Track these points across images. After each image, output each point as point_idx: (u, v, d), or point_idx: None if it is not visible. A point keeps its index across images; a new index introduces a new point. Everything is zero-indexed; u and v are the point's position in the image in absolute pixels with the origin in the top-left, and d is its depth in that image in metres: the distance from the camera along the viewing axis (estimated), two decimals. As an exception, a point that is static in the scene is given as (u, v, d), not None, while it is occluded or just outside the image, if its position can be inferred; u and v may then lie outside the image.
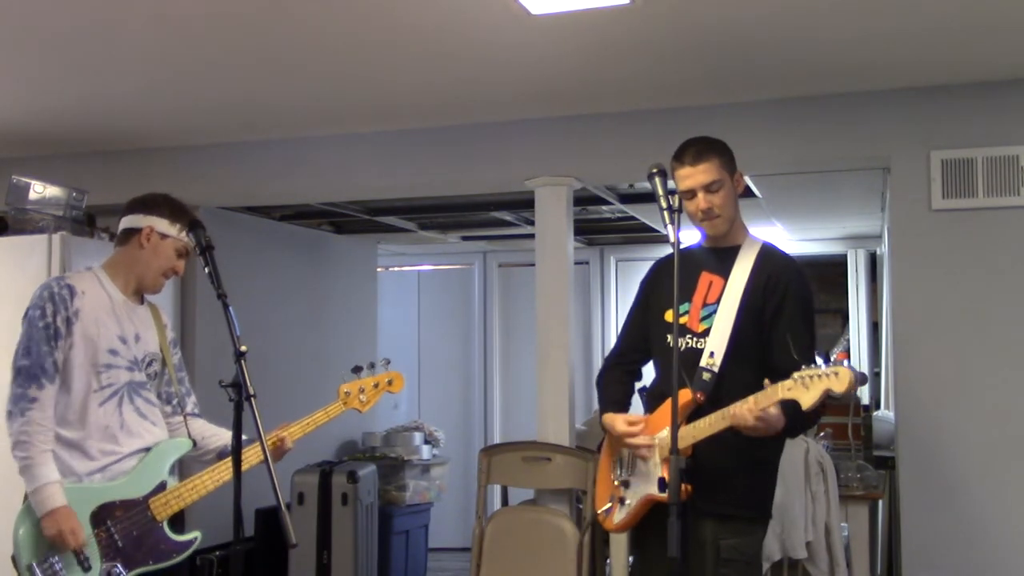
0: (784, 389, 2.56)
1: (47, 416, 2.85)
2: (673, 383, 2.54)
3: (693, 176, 2.86)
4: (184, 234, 3.03)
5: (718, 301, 2.86)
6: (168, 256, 3.06)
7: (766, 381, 2.60)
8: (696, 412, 2.76)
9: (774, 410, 2.60)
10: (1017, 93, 4.00)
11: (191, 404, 3.20)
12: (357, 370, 3.21)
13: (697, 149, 2.89)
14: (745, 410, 2.61)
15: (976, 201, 4.01)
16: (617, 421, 2.91)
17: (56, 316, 2.89)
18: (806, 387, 2.52)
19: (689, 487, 2.53)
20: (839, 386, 2.48)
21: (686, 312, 2.91)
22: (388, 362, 3.28)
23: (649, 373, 3.11)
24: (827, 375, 2.49)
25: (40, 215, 4.55)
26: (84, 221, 4.69)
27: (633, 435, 2.84)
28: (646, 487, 2.83)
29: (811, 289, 2.94)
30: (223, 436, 3.16)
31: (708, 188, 2.86)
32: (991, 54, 3.74)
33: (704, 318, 2.88)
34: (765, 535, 2.94)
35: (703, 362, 2.80)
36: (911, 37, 3.54)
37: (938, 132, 4.08)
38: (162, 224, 3.04)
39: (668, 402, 2.62)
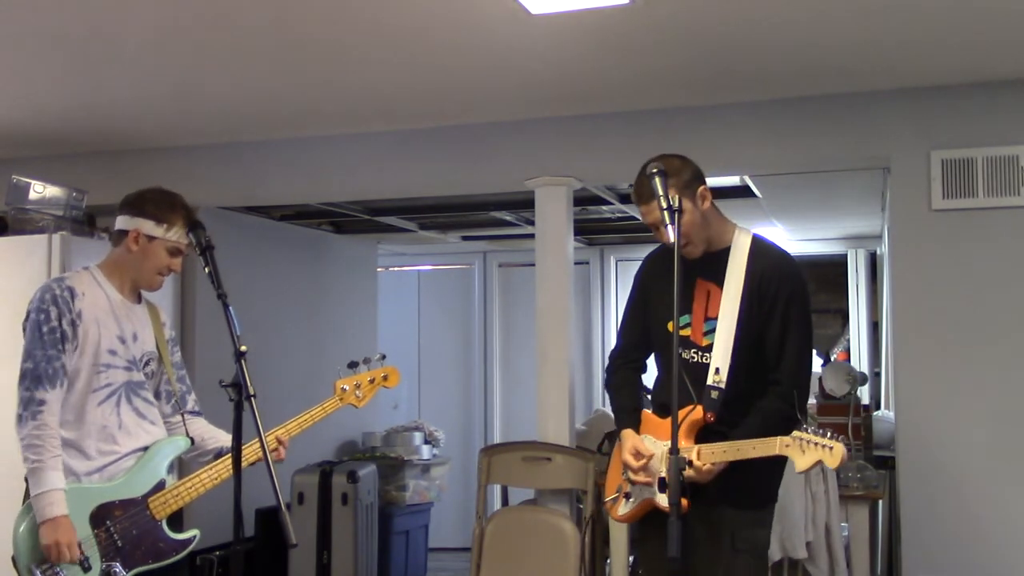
0: (782, 445, 2.61)
1: (56, 419, 2.85)
2: (673, 389, 2.52)
3: (649, 214, 2.80)
4: (173, 233, 2.97)
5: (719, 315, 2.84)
6: (159, 257, 3.00)
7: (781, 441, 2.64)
8: (705, 428, 2.77)
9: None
10: (1017, 93, 4.00)
11: (191, 402, 3.19)
12: (353, 365, 3.19)
13: (645, 188, 2.72)
14: (751, 449, 2.66)
15: (976, 201, 4.01)
16: (627, 444, 2.88)
17: (62, 319, 2.88)
18: (803, 451, 2.58)
19: (687, 502, 2.52)
20: (831, 462, 2.55)
21: (688, 324, 2.88)
22: (383, 357, 3.25)
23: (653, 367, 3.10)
24: (824, 447, 2.54)
25: (40, 215, 4.55)
26: (84, 221, 4.69)
27: (634, 469, 2.83)
28: (648, 489, 2.82)
29: (804, 286, 2.87)
30: (221, 438, 3.15)
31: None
32: (991, 54, 3.74)
33: (707, 332, 2.85)
34: (771, 526, 2.94)
35: (709, 379, 2.78)
36: (911, 37, 3.54)
37: (938, 132, 4.08)
38: (148, 226, 2.97)
39: (678, 413, 2.60)
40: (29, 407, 2.83)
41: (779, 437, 2.61)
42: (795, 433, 2.59)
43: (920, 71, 3.94)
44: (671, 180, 2.73)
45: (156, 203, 3.01)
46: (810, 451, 2.56)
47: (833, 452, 2.53)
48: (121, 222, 3.03)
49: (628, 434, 2.91)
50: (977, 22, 3.38)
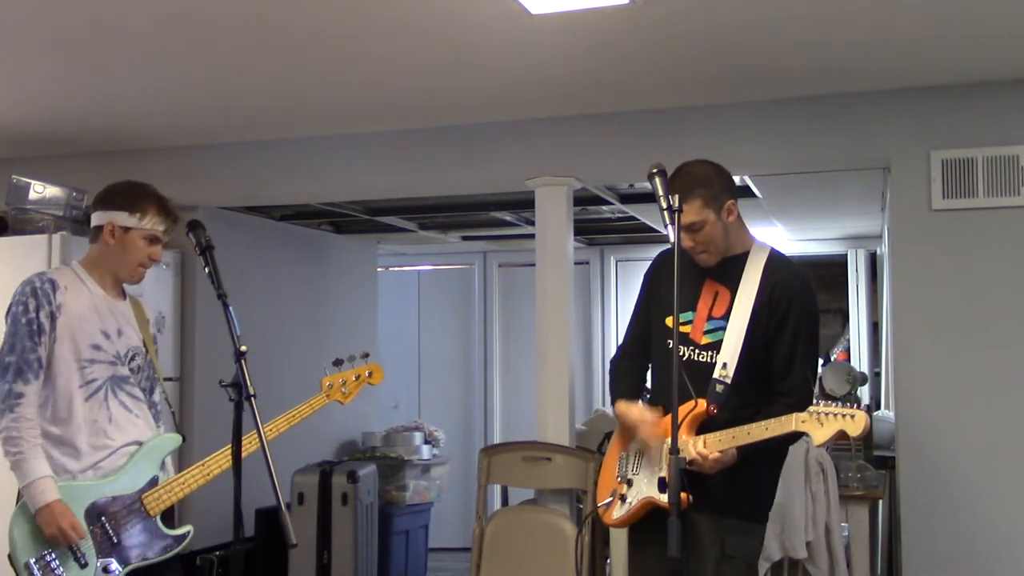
0: (798, 421, 2.58)
1: (34, 411, 2.86)
2: (673, 386, 2.52)
3: (684, 216, 2.76)
4: (147, 221, 2.99)
5: (725, 316, 2.84)
6: (137, 247, 3.01)
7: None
8: (707, 423, 2.77)
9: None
10: (1017, 93, 4.00)
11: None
12: (338, 363, 3.23)
13: (677, 190, 2.68)
14: (763, 430, 2.64)
15: (976, 201, 4.01)
16: (632, 410, 2.90)
17: (39, 311, 2.88)
18: (820, 423, 2.54)
19: (689, 496, 2.51)
20: (854, 430, 2.50)
21: (689, 322, 2.89)
22: (367, 355, 3.27)
23: None
24: (843, 416, 2.51)
25: (40, 215, 4.55)
26: (84, 221, 4.66)
27: (647, 424, 2.83)
28: (648, 488, 2.82)
29: (815, 306, 2.89)
30: None
31: (689, 228, 2.80)
32: (991, 54, 3.74)
33: (708, 331, 2.86)
34: (763, 538, 2.94)
35: (716, 374, 2.79)
36: (911, 37, 3.54)
37: (938, 132, 4.08)
38: (121, 217, 2.99)
39: (680, 408, 2.61)
40: (6, 400, 2.84)
41: (795, 414, 2.59)
42: (810, 408, 2.57)
43: (920, 71, 3.94)
44: (699, 191, 2.77)
45: (125, 194, 3.04)
46: (828, 423, 2.52)
47: (855, 419, 2.49)
48: (96, 218, 3.05)
49: (630, 404, 2.92)
50: (977, 22, 3.38)
